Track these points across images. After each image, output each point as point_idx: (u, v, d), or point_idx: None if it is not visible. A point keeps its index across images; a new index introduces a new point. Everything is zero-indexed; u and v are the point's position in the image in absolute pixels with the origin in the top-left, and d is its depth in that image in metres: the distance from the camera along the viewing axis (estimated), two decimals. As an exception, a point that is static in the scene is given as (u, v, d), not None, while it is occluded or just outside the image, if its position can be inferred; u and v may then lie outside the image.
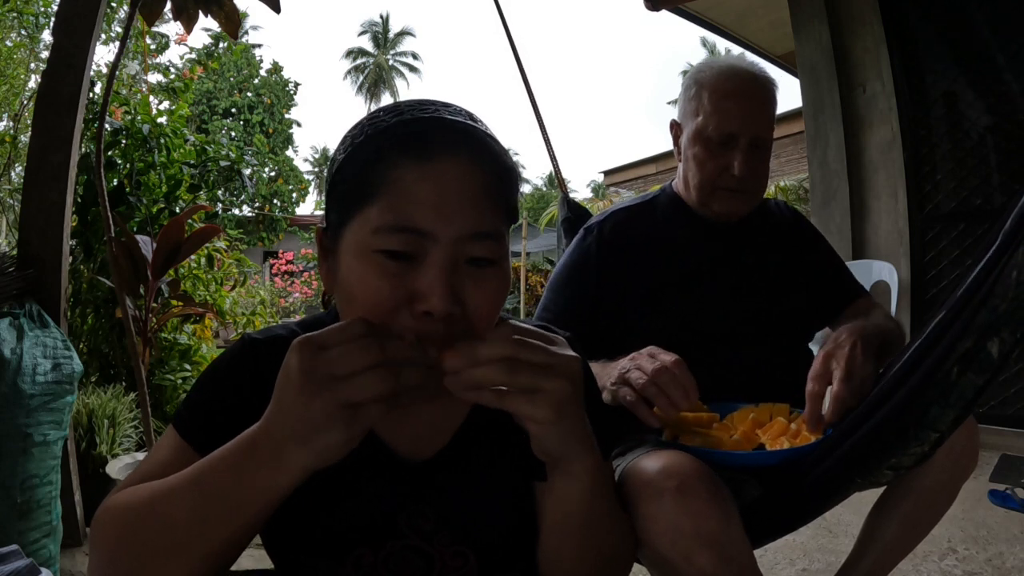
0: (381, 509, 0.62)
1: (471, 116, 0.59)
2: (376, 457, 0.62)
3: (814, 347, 1.20)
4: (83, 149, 2.34)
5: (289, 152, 18.32)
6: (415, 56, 38.43)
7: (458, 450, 0.65)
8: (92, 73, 2.15)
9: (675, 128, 1.19)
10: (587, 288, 1.11)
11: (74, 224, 2.30)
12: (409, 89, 37.39)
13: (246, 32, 24.64)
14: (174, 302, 2.33)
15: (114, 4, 4.37)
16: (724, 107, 1.07)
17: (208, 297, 2.85)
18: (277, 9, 1.90)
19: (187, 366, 2.59)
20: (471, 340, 0.49)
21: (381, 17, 38.98)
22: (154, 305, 2.07)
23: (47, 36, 4.89)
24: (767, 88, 1.10)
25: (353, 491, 0.62)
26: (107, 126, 2.44)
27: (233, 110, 17.20)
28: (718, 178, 1.09)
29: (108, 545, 0.54)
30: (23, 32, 4.98)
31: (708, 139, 1.08)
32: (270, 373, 0.59)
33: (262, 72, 18.02)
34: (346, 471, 0.58)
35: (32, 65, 5.00)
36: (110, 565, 0.54)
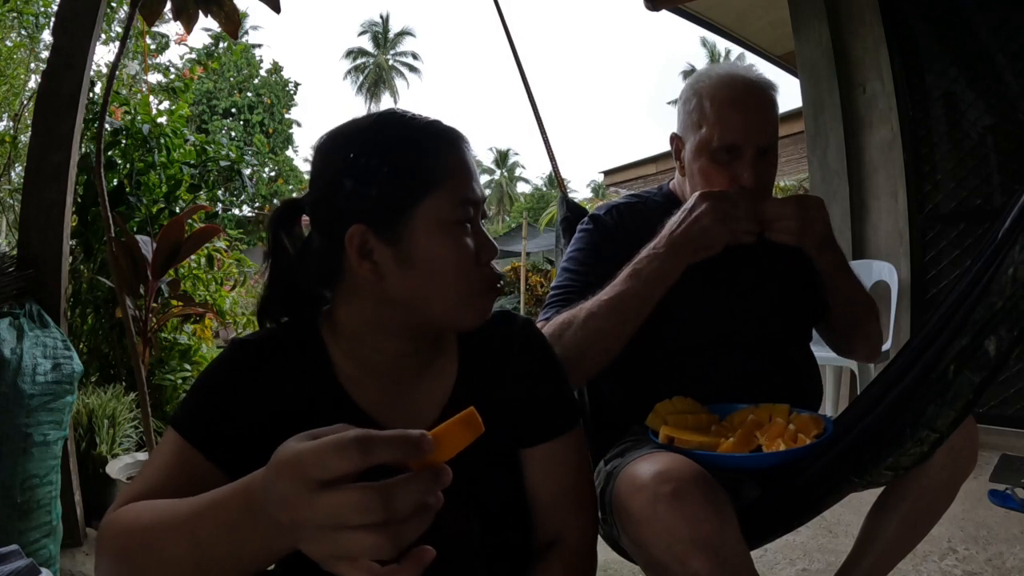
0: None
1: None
2: None
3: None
4: (83, 149, 2.34)
5: (289, 152, 18.29)
6: (415, 56, 38.44)
7: None
8: (92, 73, 2.15)
9: (676, 141, 1.15)
10: (612, 266, 1.06)
11: (74, 224, 2.30)
12: (409, 89, 37.40)
13: (246, 32, 24.63)
14: (174, 302, 2.33)
15: (114, 4, 4.37)
16: (727, 117, 1.03)
17: (208, 297, 2.85)
18: (277, 9, 1.90)
19: (187, 366, 2.59)
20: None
21: (381, 17, 39.01)
22: (154, 305, 2.07)
23: (47, 36, 4.88)
24: (768, 94, 1.07)
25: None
26: (107, 126, 2.44)
27: (233, 110, 17.18)
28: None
29: (110, 567, 0.55)
30: (23, 32, 4.98)
31: (714, 151, 1.05)
32: (263, 372, 0.68)
33: (262, 72, 17.99)
34: None
35: (32, 65, 4.99)
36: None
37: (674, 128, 1.17)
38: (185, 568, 0.49)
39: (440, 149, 0.67)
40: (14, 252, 1.78)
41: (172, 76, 5.58)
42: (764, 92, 1.06)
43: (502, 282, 0.71)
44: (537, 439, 0.74)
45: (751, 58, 4.62)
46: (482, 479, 0.70)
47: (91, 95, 2.81)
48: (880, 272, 2.88)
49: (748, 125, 1.04)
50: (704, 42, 32.01)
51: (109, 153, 2.48)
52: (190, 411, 0.65)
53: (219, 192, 3.34)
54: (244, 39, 21.70)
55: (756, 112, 1.05)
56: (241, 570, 0.48)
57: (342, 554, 0.39)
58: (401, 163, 0.66)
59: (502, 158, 41.39)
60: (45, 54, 4.69)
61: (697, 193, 0.99)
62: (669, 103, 33.21)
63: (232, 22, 1.95)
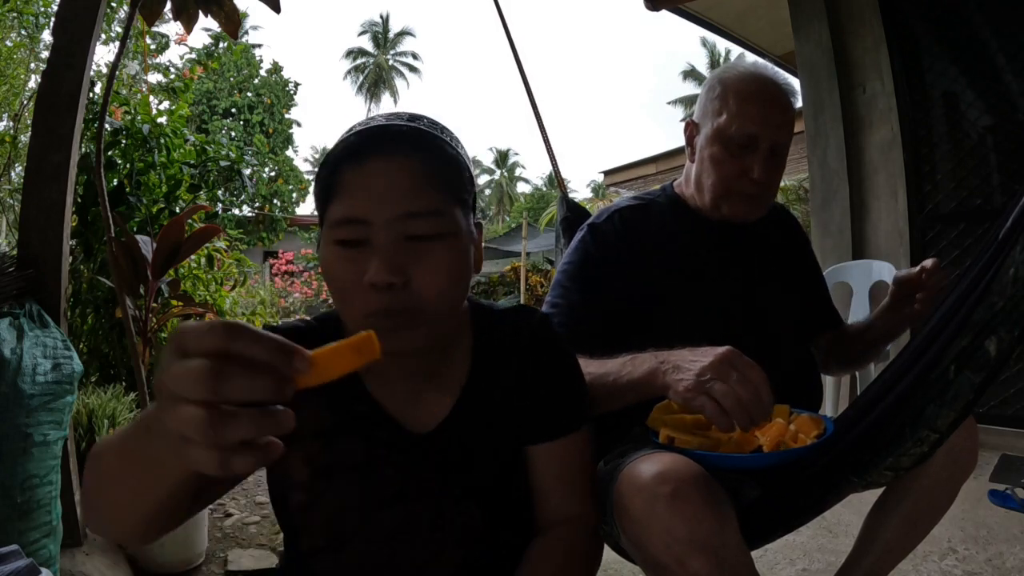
0: (393, 478, 0.69)
1: (416, 119, 0.68)
2: (386, 431, 0.71)
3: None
4: (83, 149, 2.34)
5: (289, 152, 18.29)
6: (415, 56, 38.44)
7: (458, 419, 0.72)
8: (92, 73, 2.15)
9: (690, 128, 1.16)
10: (605, 280, 1.08)
11: (74, 224, 2.30)
12: (409, 89, 37.44)
13: (246, 32, 24.62)
14: (174, 302, 2.33)
15: (114, 4, 4.37)
16: (748, 110, 1.06)
17: (208, 297, 2.85)
18: (277, 9, 1.90)
19: (187, 366, 2.59)
20: None
21: (381, 17, 39.00)
22: (154, 305, 2.07)
23: (47, 36, 4.88)
24: (788, 95, 1.10)
25: (367, 463, 0.70)
26: (107, 126, 2.44)
27: (233, 110, 17.18)
28: (735, 181, 1.07)
29: (86, 490, 0.56)
30: (23, 32, 4.98)
31: (729, 139, 1.07)
32: None
33: (262, 72, 17.99)
34: (359, 445, 0.69)
35: (32, 65, 4.99)
36: (91, 509, 0.55)
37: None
38: (117, 483, 0.49)
39: (340, 163, 0.64)
40: (14, 252, 1.78)
41: (172, 76, 5.58)
42: (785, 93, 1.10)
43: (392, 316, 0.61)
44: (543, 437, 0.74)
45: (751, 58, 4.62)
46: (487, 474, 0.72)
47: (91, 95, 2.81)
48: (880, 272, 2.88)
49: (767, 119, 1.06)
50: (704, 42, 32.03)
51: (109, 153, 2.48)
52: None
53: (219, 192, 3.34)
54: (244, 39, 21.68)
55: (776, 109, 1.08)
56: (159, 481, 0.46)
57: (174, 428, 0.37)
58: (318, 177, 0.66)
59: (502, 158, 41.39)
60: (45, 54, 4.69)
61: (727, 349, 0.77)
62: (669, 103, 33.20)
63: (232, 22, 1.94)
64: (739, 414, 0.71)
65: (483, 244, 0.75)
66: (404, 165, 0.63)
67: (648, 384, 0.82)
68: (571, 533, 0.74)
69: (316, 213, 0.68)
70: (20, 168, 4.91)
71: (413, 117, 0.69)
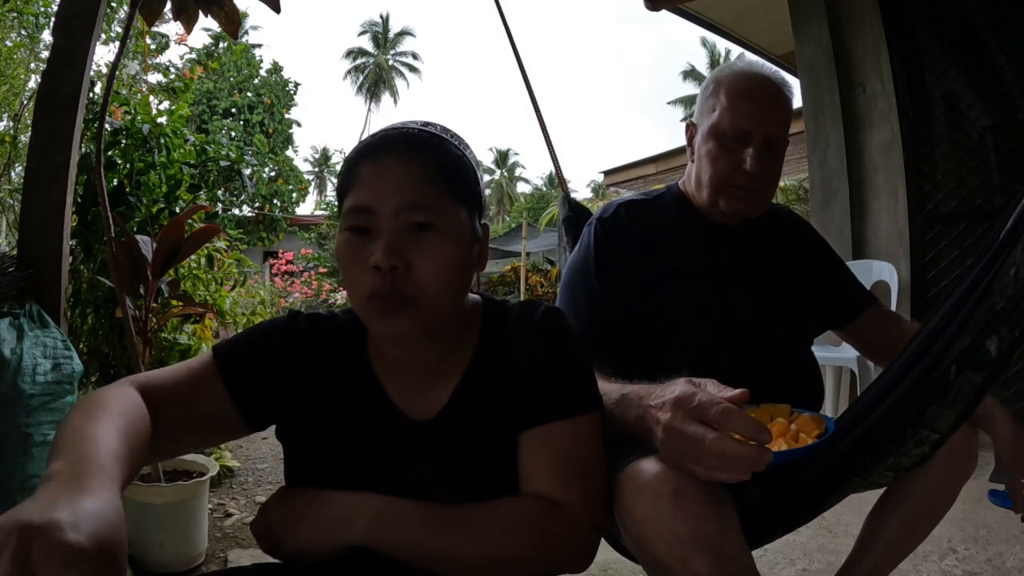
0: (390, 463, 0.73)
1: (428, 125, 0.75)
2: (386, 417, 0.74)
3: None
4: (83, 149, 2.34)
5: (289, 152, 18.30)
6: (415, 56, 38.45)
7: (457, 407, 0.74)
8: (92, 73, 2.14)
9: (690, 128, 1.18)
10: (619, 271, 1.08)
11: (74, 224, 2.29)
12: (409, 89, 37.43)
13: (246, 32, 24.62)
14: (174, 302, 2.33)
15: (114, 4, 4.37)
16: (741, 104, 1.07)
17: (208, 297, 2.84)
18: (277, 9, 1.90)
19: (187, 366, 2.59)
20: None
21: (381, 17, 38.98)
22: (154, 305, 2.07)
23: (47, 36, 4.88)
24: (783, 90, 1.11)
25: (367, 448, 0.74)
26: (107, 126, 2.44)
27: (233, 110, 17.18)
28: (731, 175, 1.08)
29: None
30: (23, 32, 4.98)
31: (723, 134, 1.08)
32: (306, 345, 0.77)
33: (262, 72, 18.00)
34: (361, 430, 0.74)
35: (32, 65, 4.99)
36: None
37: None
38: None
39: (356, 158, 0.72)
40: (14, 252, 1.78)
41: (172, 76, 5.58)
42: (778, 88, 1.10)
43: (381, 298, 0.67)
44: (536, 419, 0.72)
45: (751, 58, 4.62)
46: (481, 464, 0.73)
47: (91, 95, 2.80)
48: (880, 272, 2.88)
49: (759, 113, 1.07)
50: (704, 42, 32.01)
51: (109, 153, 2.47)
52: (233, 344, 0.77)
53: (219, 192, 3.34)
54: (244, 39, 21.68)
55: (768, 102, 1.09)
56: None
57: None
58: (341, 171, 0.75)
59: (502, 158, 41.40)
60: (45, 54, 4.69)
61: (677, 396, 0.70)
62: (669, 103, 33.21)
63: (232, 22, 1.94)
64: (731, 475, 0.65)
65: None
66: (411, 161, 0.69)
67: (642, 431, 0.78)
68: (536, 504, 0.69)
69: (331, 210, 0.73)
70: (20, 168, 4.91)
71: (426, 124, 0.76)
